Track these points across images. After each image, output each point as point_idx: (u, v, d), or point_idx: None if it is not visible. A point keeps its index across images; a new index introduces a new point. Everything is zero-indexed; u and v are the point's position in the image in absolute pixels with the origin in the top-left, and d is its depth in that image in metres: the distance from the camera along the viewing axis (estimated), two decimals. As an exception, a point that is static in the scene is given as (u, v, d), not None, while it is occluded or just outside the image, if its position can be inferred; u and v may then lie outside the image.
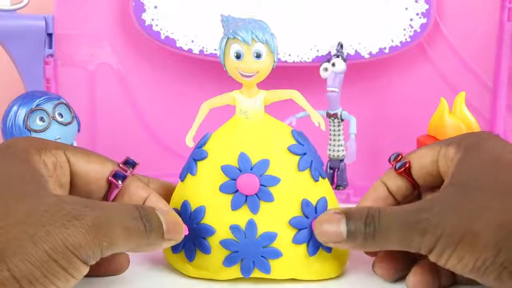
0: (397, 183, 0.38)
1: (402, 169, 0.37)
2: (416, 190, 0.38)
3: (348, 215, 0.33)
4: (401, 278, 0.36)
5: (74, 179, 0.34)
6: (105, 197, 0.35)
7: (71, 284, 0.28)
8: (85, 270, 0.28)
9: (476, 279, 0.31)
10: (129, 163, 0.35)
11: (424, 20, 0.54)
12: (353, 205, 0.38)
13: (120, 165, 0.35)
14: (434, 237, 0.30)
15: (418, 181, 0.37)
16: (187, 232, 0.35)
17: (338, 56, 0.51)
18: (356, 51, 0.54)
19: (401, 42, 0.54)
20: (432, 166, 0.36)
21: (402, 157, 0.38)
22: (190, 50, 0.55)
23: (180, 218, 0.34)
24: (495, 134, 0.36)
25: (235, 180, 0.36)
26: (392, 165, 0.38)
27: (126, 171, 0.35)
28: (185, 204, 0.37)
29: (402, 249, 0.32)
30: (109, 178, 0.34)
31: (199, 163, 0.37)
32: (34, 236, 0.26)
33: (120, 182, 0.34)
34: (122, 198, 0.35)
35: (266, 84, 0.38)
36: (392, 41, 0.54)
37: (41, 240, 0.26)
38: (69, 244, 0.27)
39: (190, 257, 0.37)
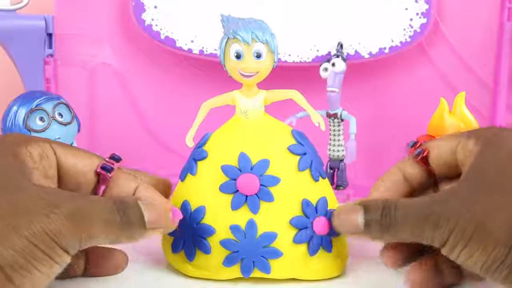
0: (414, 170, 0.37)
1: (419, 157, 0.37)
2: (432, 178, 0.38)
3: (365, 207, 0.33)
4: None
5: (62, 172, 0.34)
6: (94, 191, 0.35)
7: (54, 270, 0.28)
8: (67, 258, 0.29)
9: (486, 277, 0.31)
10: (114, 159, 0.36)
11: (424, 20, 0.54)
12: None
13: (106, 159, 0.35)
14: (447, 231, 0.30)
15: (434, 170, 0.37)
16: (181, 217, 0.34)
17: (338, 56, 0.51)
18: (356, 51, 0.54)
19: (401, 42, 0.54)
20: (450, 156, 0.36)
21: (420, 144, 0.38)
22: (190, 50, 0.55)
23: (169, 205, 0.34)
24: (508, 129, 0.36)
25: (235, 180, 0.36)
26: (410, 152, 0.38)
27: (112, 164, 0.35)
28: (185, 204, 0.37)
29: (416, 241, 0.32)
30: (97, 170, 0.34)
31: (199, 163, 0.37)
32: (17, 226, 0.27)
33: (108, 174, 0.34)
34: (111, 191, 0.35)
35: (266, 84, 0.38)
36: (392, 41, 0.54)
37: (22, 228, 0.27)
38: (49, 231, 0.28)
39: (190, 257, 0.37)
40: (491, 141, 0.34)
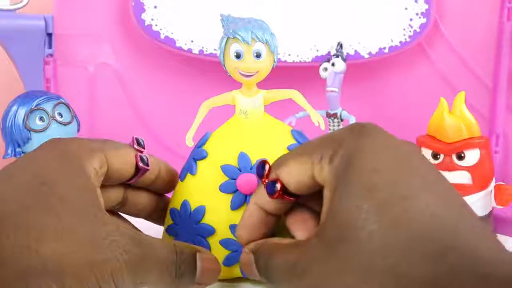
0: (275, 205, 0.31)
1: (276, 195, 0.29)
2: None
3: (255, 255, 0.30)
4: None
5: (108, 174, 0.34)
6: (132, 177, 0.35)
7: None
8: None
9: None
10: (140, 144, 0.36)
11: (423, 20, 0.54)
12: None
13: (136, 147, 0.35)
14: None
15: (300, 194, 0.30)
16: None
17: (337, 56, 0.51)
18: (355, 51, 0.54)
19: (400, 42, 0.54)
20: (311, 180, 0.29)
21: (270, 169, 0.31)
22: (189, 50, 0.55)
23: (219, 262, 0.33)
24: (377, 130, 0.28)
25: (234, 179, 0.36)
26: (263, 185, 0.30)
27: (142, 152, 0.35)
28: (185, 204, 0.37)
29: None
30: (140, 165, 0.35)
31: (199, 163, 0.37)
32: (92, 262, 0.27)
33: (147, 166, 0.35)
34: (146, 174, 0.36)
35: (266, 84, 0.38)
36: (392, 41, 0.54)
37: (96, 266, 0.27)
38: (115, 275, 0.27)
39: (190, 257, 0.37)
40: (345, 166, 0.26)
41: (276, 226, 0.32)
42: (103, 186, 0.33)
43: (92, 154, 0.32)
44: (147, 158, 0.35)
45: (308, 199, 0.31)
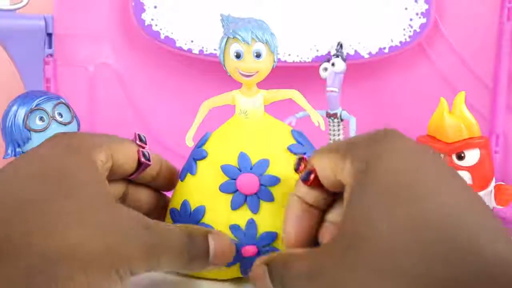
0: (312, 195, 0.32)
1: (310, 181, 0.31)
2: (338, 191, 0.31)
3: (269, 268, 0.29)
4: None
5: (113, 168, 0.34)
6: (134, 172, 0.36)
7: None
8: (129, 279, 0.29)
9: None
10: (142, 141, 0.36)
11: (423, 20, 0.54)
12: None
13: (138, 142, 0.36)
14: None
15: (330, 189, 0.31)
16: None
17: (337, 56, 0.51)
18: (355, 51, 0.54)
19: (400, 42, 0.54)
20: (333, 178, 0.30)
21: (306, 162, 0.32)
22: (189, 50, 0.55)
23: (232, 242, 0.33)
24: (397, 135, 0.29)
25: (235, 179, 0.35)
26: (299, 175, 0.32)
27: (144, 148, 0.36)
28: (184, 204, 0.37)
29: None
30: (142, 160, 0.35)
31: (199, 163, 0.37)
32: (111, 248, 0.27)
33: (149, 161, 0.36)
34: (145, 170, 0.36)
35: (266, 84, 0.38)
36: (392, 41, 0.54)
37: (114, 252, 0.27)
38: (132, 261, 0.28)
39: (190, 257, 0.37)
40: (366, 167, 0.27)
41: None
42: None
43: (98, 149, 0.32)
44: (148, 153, 0.36)
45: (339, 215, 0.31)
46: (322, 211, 0.32)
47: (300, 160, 0.33)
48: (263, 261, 0.30)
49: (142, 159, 0.35)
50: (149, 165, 0.36)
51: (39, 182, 0.28)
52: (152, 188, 0.38)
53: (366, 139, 0.29)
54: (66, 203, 0.27)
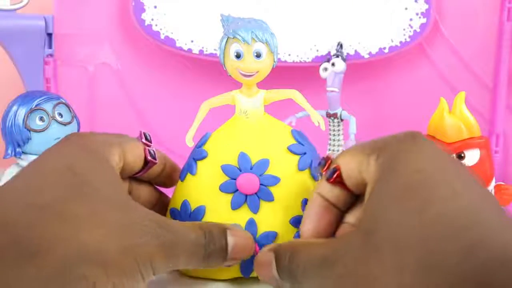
0: (334, 193, 0.32)
1: (333, 179, 0.32)
2: (357, 194, 0.32)
3: (276, 255, 0.29)
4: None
5: (123, 167, 0.34)
6: (140, 170, 0.36)
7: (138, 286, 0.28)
8: (151, 277, 0.29)
9: None
10: (147, 138, 0.37)
11: (423, 20, 0.54)
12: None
13: (143, 141, 0.36)
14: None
15: (352, 189, 0.32)
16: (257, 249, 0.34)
17: (337, 56, 0.51)
18: (355, 51, 0.54)
19: (400, 42, 0.54)
20: (359, 175, 0.31)
21: (331, 161, 0.33)
22: (189, 50, 0.55)
23: (251, 236, 0.34)
24: (423, 137, 0.30)
25: (235, 179, 0.36)
26: (323, 173, 0.33)
27: (150, 146, 0.36)
28: (185, 204, 0.37)
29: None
30: (149, 158, 0.35)
31: (199, 163, 0.37)
32: (129, 248, 0.27)
33: (155, 160, 0.36)
34: (153, 168, 0.36)
35: (266, 84, 0.38)
36: (392, 41, 0.54)
37: (133, 252, 0.27)
38: (151, 260, 0.28)
39: (190, 257, 0.37)
40: (391, 163, 0.28)
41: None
42: None
43: (112, 149, 0.33)
44: (154, 151, 0.36)
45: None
46: (341, 212, 0.33)
47: (325, 159, 0.33)
48: (271, 247, 0.30)
49: (149, 158, 0.35)
50: (155, 163, 0.36)
51: (56, 184, 0.28)
52: (153, 185, 0.39)
53: (392, 139, 0.30)
54: (80, 205, 0.27)
